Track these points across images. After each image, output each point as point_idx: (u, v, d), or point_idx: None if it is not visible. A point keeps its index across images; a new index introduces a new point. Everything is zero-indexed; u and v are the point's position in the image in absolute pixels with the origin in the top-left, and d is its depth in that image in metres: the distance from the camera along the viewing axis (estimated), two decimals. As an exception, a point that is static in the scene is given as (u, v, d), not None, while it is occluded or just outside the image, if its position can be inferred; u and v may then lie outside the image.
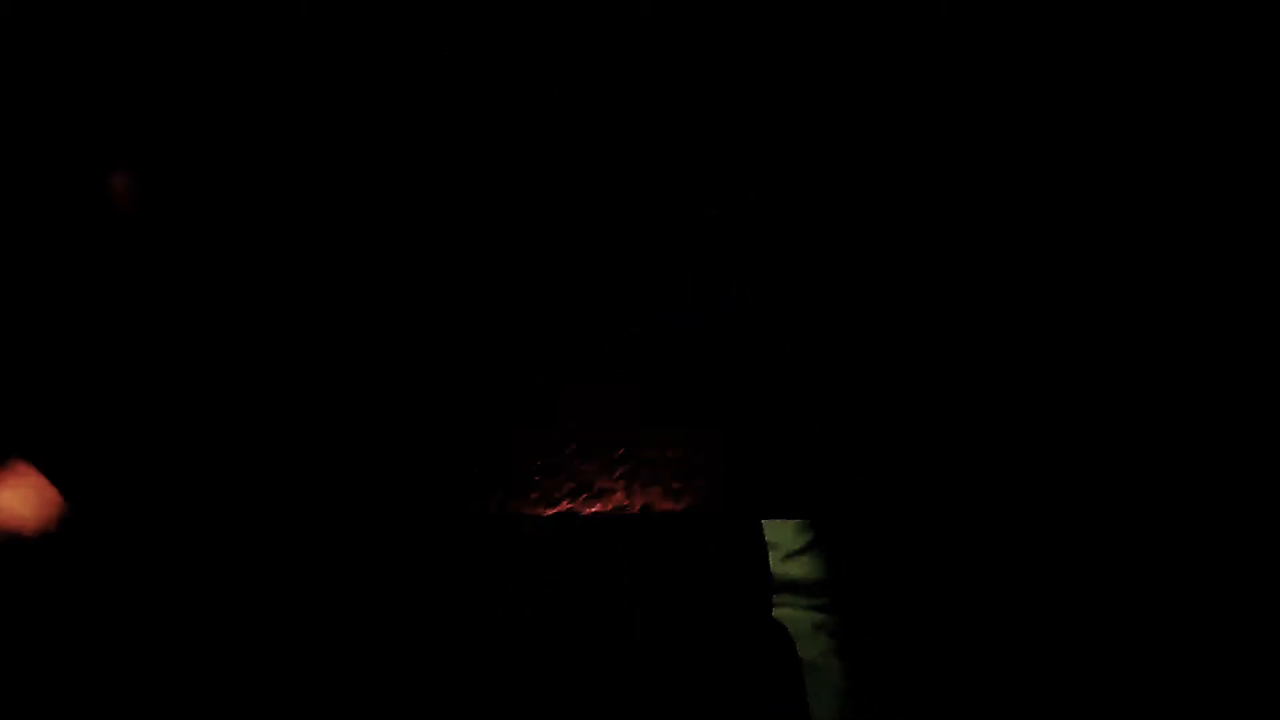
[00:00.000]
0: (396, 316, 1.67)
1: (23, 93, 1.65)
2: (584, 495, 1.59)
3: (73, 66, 1.66)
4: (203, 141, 1.70)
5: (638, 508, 1.61)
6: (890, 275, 1.81)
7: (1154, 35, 1.85)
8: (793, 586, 1.80)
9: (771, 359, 1.75)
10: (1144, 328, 1.82)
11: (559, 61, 1.78)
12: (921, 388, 1.79)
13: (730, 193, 1.81)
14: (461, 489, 1.61)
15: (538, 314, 1.69)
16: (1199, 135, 1.85)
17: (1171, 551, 1.77)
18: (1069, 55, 1.85)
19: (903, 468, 1.78)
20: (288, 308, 1.66)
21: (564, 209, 1.77)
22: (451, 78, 1.74)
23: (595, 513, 1.60)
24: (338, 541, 1.63)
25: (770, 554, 1.77)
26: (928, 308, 1.81)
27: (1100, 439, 1.81)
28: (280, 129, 1.71)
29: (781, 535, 1.82)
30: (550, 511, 1.59)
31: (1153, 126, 1.85)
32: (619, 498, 1.60)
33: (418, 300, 1.67)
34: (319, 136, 1.72)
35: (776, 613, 1.76)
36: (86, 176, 1.66)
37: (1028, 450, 1.80)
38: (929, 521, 1.77)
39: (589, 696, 1.61)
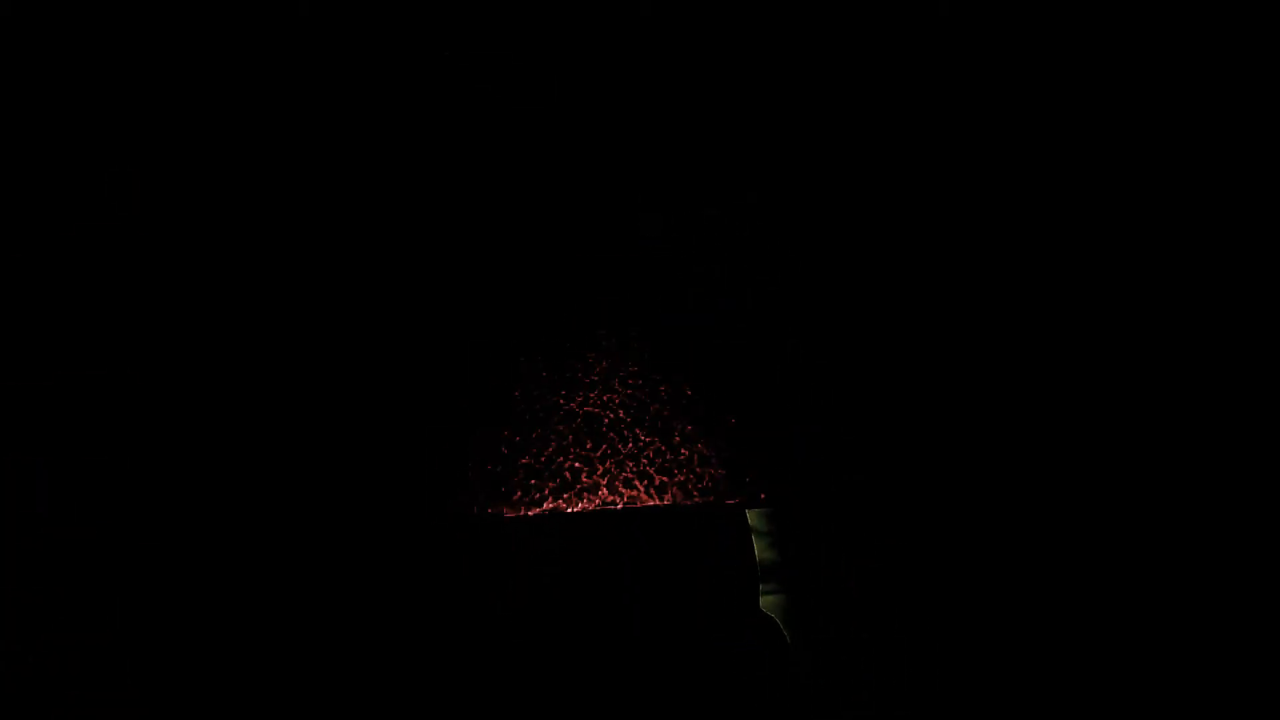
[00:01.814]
0: (389, 319, 1.67)
1: (23, 93, 1.65)
2: (568, 493, 1.59)
3: (73, 67, 1.66)
4: (199, 142, 1.69)
5: (621, 504, 1.61)
6: (890, 275, 1.81)
7: (1152, 36, 1.85)
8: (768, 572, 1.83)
9: (771, 359, 1.75)
10: (1143, 330, 1.82)
11: (559, 62, 1.78)
12: (921, 388, 1.79)
13: (730, 193, 1.81)
14: (448, 491, 1.61)
15: (534, 315, 1.69)
16: (1197, 136, 1.85)
17: (1164, 551, 1.77)
18: (1068, 56, 1.85)
19: (900, 467, 1.78)
20: (283, 315, 1.66)
21: (563, 209, 1.77)
22: (451, 78, 1.74)
23: (581, 510, 1.60)
24: (331, 543, 1.62)
25: (761, 541, 1.79)
26: (927, 308, 1.81)
27: (1097, 438, 1.80)
28: (278, 129, 1.71)
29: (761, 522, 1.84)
30: (534, 511, 1.59)
31: (1152, 128, 1.85)
32: (603, 494, 1.60)
33: (411, 302, 1.67)
34: (318, 137, 1.71)
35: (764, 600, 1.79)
36: (88, 177, 1.66)
37: (1025, 449, 1.80)
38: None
39: (583, 687, 1.61)
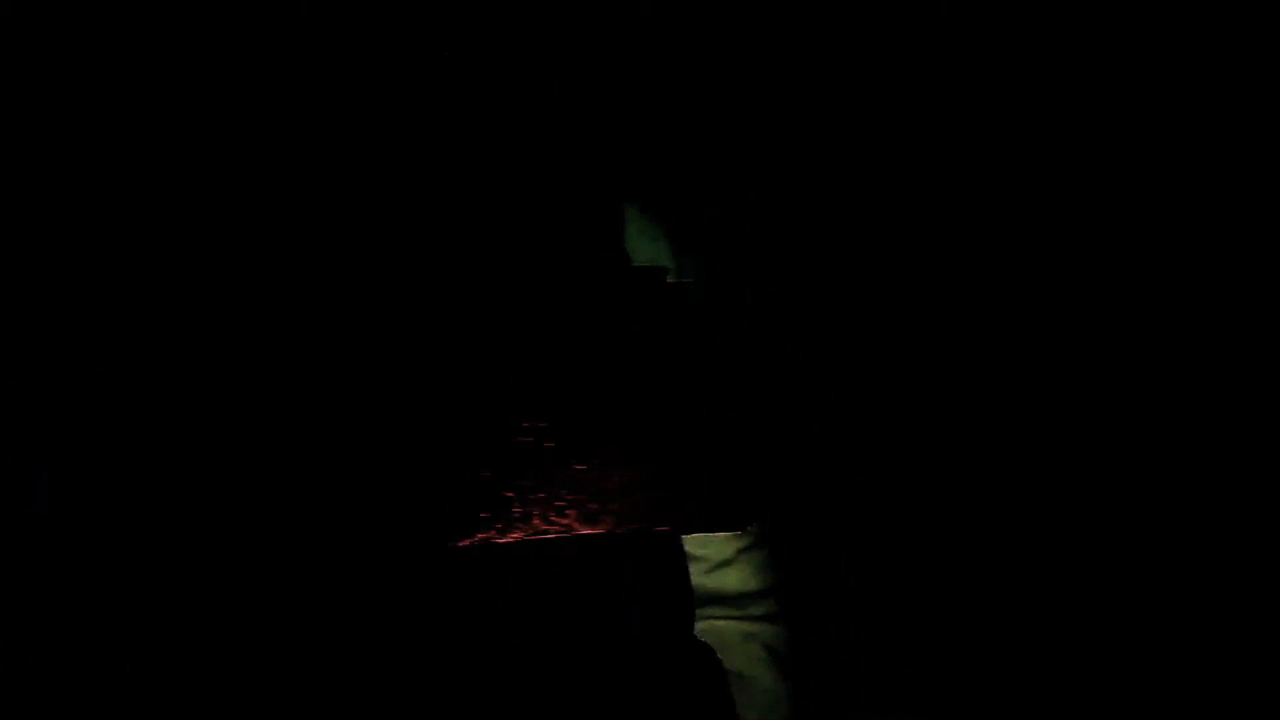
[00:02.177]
0: (389, 317, 1.67)
1: (22, 93, 1.65)
2: (499, 524, 1.55)
3: (72, 66, 1.67)
4: (199, 142, 1.70)
5: (554, 534, 1.58)
6: (890, 275, 1.82)
7: (1153, 36, 1.86)
8: (721, 598, 1.81)
9: (771, 359, 1.75)
10: (1143, 330, 1.82)
11: (559, 62, 1.78)
12: (921, 388, 1.80)
13: (730, 193, 1.82)
14: (375, 520, 1.58)
15: (521, 320, 1.68)
16: (1198, 135, 1.85)
17: (1164, 550, 1.78)
18: (1069, 56, 1.85)
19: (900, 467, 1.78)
20: (283, 314, 1.66)
21: (562, 209, 1.77)
22: (451, 78, 1.74)
23: (514, 540, 1.56)
24: (331, 543, 1.62)
25: (698, 566, 1.78)
26: (927, 308, 1.81)
27: (1097, 437, 1.81)
28: (278, 129, 1.71)
29: (710, 548, 1.83)
30: (465, 542, 1.55)
31: (1153, 128, 1.85)
32: (536, 524, 1.56)
33: (408, 302, 1.67)
34: (317, 137, 1.72)
35: (707, 625, 1.77)
36: (86, 177, 1.66)
37: (1025, 448, 1.81)
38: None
39: (581, 689, 1.60)
